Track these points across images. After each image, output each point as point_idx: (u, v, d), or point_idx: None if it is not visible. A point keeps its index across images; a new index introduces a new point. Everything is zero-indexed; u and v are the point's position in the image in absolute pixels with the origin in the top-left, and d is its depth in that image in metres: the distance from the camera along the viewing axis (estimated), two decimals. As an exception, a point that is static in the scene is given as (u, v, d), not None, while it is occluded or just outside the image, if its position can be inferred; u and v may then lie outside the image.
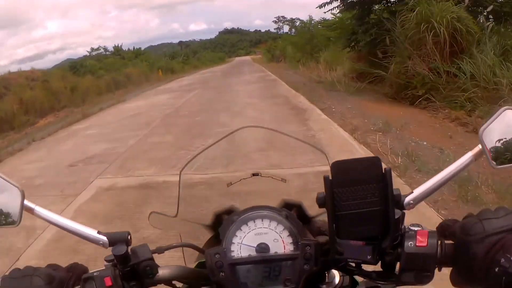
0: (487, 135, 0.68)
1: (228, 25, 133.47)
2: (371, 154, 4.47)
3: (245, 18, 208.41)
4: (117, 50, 28.37)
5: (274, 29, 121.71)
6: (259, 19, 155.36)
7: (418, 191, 0.68)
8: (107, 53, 28.90)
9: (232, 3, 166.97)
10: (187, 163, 0.80)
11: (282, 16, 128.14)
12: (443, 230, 0.62)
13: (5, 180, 0.69)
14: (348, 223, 0.64)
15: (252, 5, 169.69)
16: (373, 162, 0.64)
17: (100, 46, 30.19)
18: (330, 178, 0.63)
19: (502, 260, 0.53)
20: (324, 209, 0.64)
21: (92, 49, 29.07)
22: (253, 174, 0.81)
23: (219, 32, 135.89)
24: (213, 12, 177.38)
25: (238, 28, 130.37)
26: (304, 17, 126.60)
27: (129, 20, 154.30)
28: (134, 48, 30.83)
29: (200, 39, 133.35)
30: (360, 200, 0.63)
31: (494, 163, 0.68)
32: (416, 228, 0.63)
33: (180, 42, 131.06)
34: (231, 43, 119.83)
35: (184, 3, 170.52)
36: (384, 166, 0.64)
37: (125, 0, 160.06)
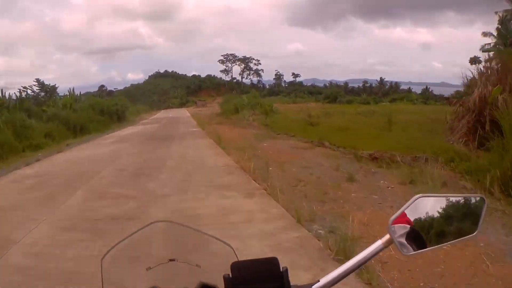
0: (397, 223, 0.68)
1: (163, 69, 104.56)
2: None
3: (184, 66, 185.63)
4: None
5: (221, 71, 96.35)
6: (195, 70, 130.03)
7: (324, 280, 0.68)
8: None
9: (169, 50, 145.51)
10: (107, 252, 0.82)
11: (232, 54, 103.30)
12: None
13: None
14: None
15: (192, 53, 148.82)
16: (271, 262, 0.68)
17: None
18: (230, 276, 0.67)
19: None
20: None
21: None
22: (170, 260, 0.84)
23: (149, 76, 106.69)
24: (150, 60, 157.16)
25: (173, 71, 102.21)
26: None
27: (70, 64, 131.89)
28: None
29: (125, 87, 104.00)
30: None
31: (404, 251, 0.70)
32: None
33: (101, 86, 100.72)
34: (163, 90, 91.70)
35: (123, 49, 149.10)
36: (281, 265, 0.70)
37: (65, 41, 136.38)
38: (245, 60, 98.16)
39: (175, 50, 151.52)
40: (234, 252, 0.80)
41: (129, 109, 34.81)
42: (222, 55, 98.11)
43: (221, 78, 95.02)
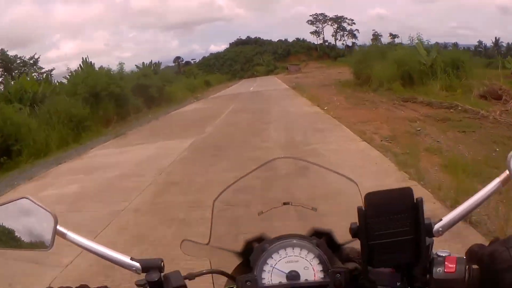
0: None
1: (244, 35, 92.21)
2: None
3: (267, 33, 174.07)
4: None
5: (311, 33, 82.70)
6: (281, 36, 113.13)
7: (447, 218, 0.69)
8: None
9: (251, 20, 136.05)
10: (221, 193, 0.80)
11: (322, 14, 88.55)
12: (471, 256, 0.62)
13: (39, 205, 0.71)
14: (380, 252, 0.64)
15: (274, 20, 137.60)
16: (405, 193, 0.65)
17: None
18: (364, 209, 0.64)
19: None
20: (354, 238, 0.66)
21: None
22: (284, 203, 0.80)
23: (230, 44, 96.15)
24: (231, 31, 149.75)
25: (256, 37, 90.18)
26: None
27: (147, 41, 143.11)
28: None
29: (203, 57, 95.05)
30: (392, 230, 0.64)
31: None
32: (444, 254, 0.64)
33: (177, 58, 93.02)
34: (245, 57, 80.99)
35: (200, 23, 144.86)
36: (415, 196, 0.65)
37: (138, 20, 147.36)
38: (338, 20, 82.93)
39: (256, 19, 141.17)
40: (359, 189, 0.75)
41: (173, 84, 24.21)
42: (310, 15, 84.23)
43: (310, 42, 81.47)
